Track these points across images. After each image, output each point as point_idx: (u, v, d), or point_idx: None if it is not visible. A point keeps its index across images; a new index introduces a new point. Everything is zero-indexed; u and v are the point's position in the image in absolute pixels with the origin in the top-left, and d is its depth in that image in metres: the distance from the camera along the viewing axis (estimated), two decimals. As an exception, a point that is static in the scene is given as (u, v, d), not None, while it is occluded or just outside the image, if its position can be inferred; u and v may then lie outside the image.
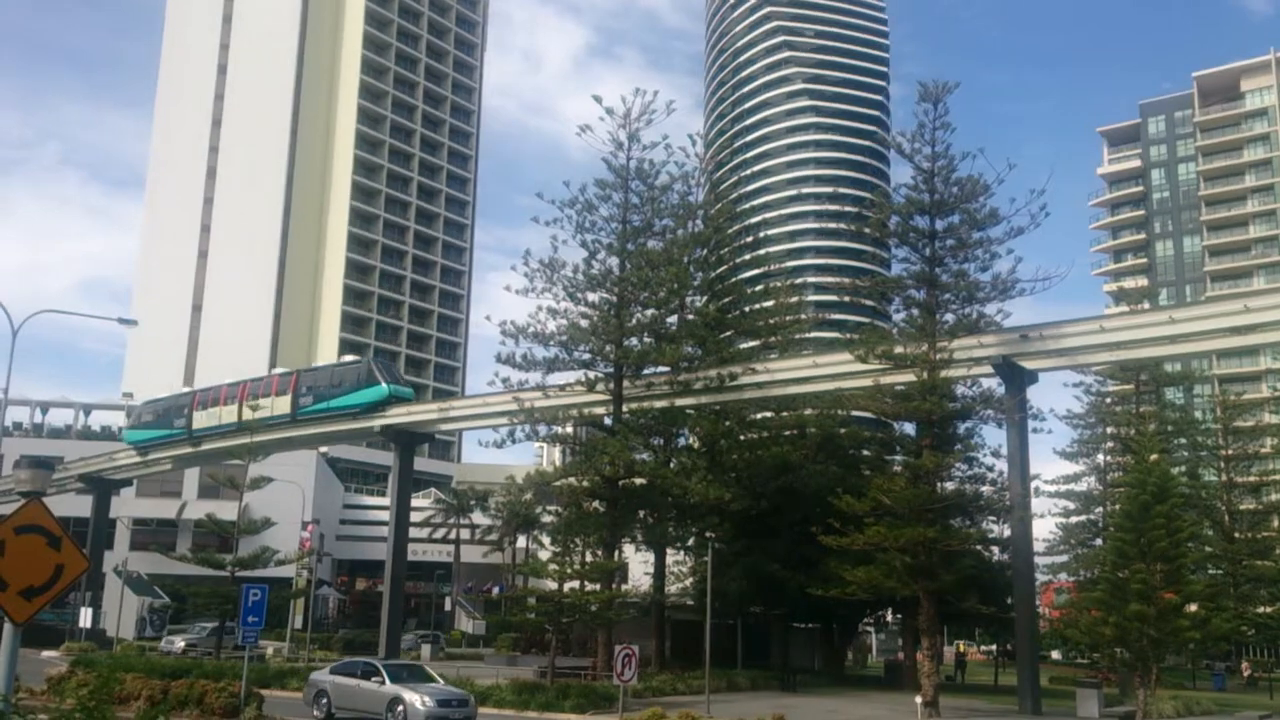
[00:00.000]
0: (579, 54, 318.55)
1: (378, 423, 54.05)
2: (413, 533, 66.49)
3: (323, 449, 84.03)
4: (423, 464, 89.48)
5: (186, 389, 68.86)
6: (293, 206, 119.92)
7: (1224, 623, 41.45)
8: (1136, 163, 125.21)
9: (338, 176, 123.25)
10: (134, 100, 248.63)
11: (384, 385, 54.23)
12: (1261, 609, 53.07)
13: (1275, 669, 66.22)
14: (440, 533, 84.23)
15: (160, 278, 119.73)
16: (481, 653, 62.01)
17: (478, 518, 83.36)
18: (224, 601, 43.70)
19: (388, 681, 27.80)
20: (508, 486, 71.11)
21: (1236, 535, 59.32)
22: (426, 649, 59.29)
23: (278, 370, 66.83)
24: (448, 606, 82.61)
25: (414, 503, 67.01)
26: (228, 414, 59.25)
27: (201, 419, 61.81)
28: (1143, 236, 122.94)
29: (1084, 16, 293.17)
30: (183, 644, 52.08)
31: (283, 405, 57.17)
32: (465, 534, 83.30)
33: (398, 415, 54.31)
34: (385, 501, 68.49)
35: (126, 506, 79.54)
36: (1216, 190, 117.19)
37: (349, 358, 58.16)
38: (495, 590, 79.21)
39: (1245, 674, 59.68)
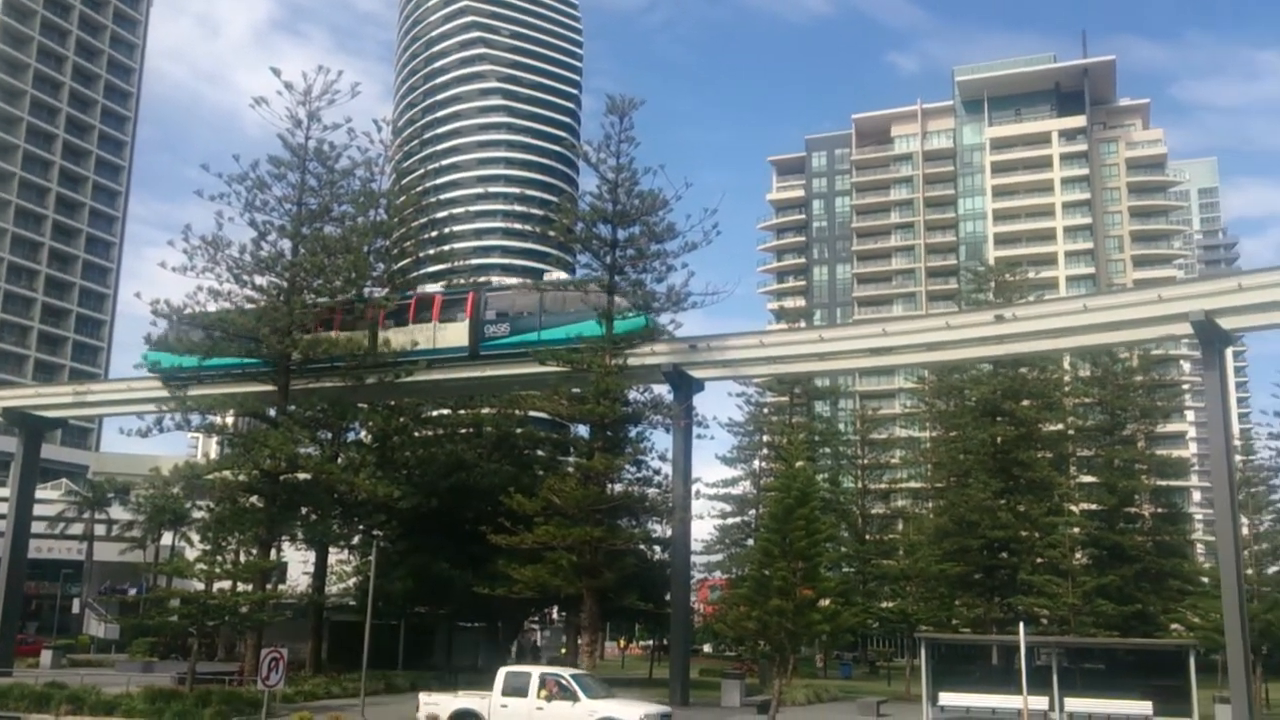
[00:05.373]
0: (260, 26, 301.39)
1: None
2: (38, 528, 59.95)
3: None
4: (53, 451, 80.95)
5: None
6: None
7: (851, 616, 45.43)
8: (801, 192, 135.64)
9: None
10: None
11: (641, 317, 39.98)
12: (885, 604, 58.60)
13: (895, 658, 73.76)
14: (73, 528, 76.34)
15: None
16: (113, 659, 56.55)
17: (116, 512, 76.33)
18: None
19: None
20: (152, 479, 65.48)
21: (867, 537, 65.27)
22: (48, 655, 53.24)
23: (434, 287, 48.26)
24: (75, 609, 74.83)
25: (40, 494, 60.07)
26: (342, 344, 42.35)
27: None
28: (803, 261, 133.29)
29: (766, 55, 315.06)
30: None
31: (455, 336, 41.72)
32: (101, 530, 75.97)
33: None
34: (5, 493, 60.74)
35: None
36: (866, 224, 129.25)
37: (559, 274, 41.97)
38: (132, 592, 72.81)
39: (820, 662, 64.63)
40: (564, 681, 26.26)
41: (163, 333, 42.74)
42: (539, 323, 40.79)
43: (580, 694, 25.63)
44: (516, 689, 26.41)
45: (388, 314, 43.42)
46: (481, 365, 42.31)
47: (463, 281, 58.76)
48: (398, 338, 42.57)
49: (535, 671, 27.48)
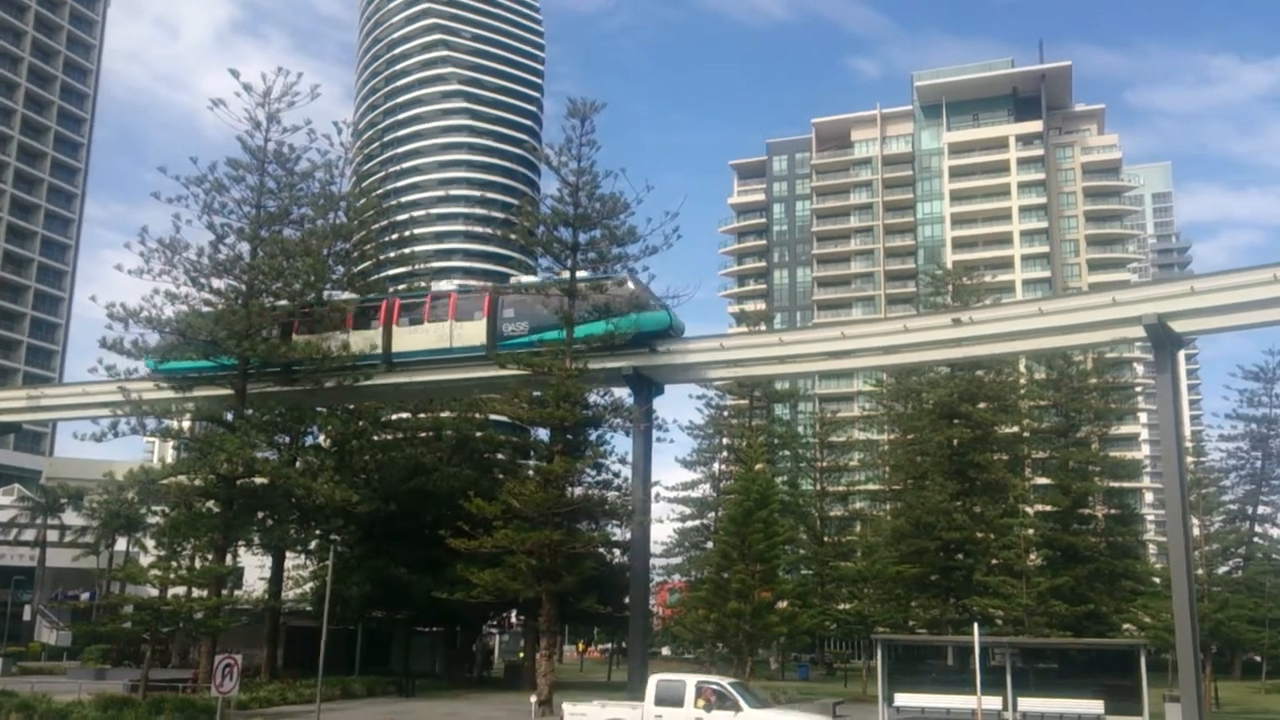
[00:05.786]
0: (220, 28, 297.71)
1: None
2: (-12, 534, 58.74)
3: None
4: (6, 456, 79.64)
5: None
6: None
7: (809, 618, 45.82)
8: (761, 196, 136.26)
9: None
10: None
11: (664, 311, 39.63)
12: (842, 605, 58.91)
13: (852, 659, 74.27)
14: (25, 534, 75.04)
15: None
16: (65, 666, 55.74)
17: (70, 518, 75.14)
18: None
19: None
20: (106, 484, 64.59)
21: (825, 539, 65.55)
22: (-1, 663, 52.38)
23: (449, 285, 47.57)
24: (27, 616, 73.55)
25: (-9, 500, 59.18)
26: (357, 342, 42.01)
27: None
28: (764, 264, 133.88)
29: (728, 60, 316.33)
30: None
31: (472, 334, 41.14)
32: (54, 535, 74.72)
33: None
34: (-45, 499, 59.72)
35: None
36: (826, 227, 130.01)
37: (582, 273, 40.85)
38: (85, 598, 71.74)
39: (776, 664, 64.84)
40: (722, 689, 24.76)
41: (165, 342, 41.90)
42: (561, 321, 39.68)
43: (741, 703, 24.23)
44: (670, 699, 25.00)
45: (400, 313, 43.14)
46: (458, 368, 42.10)
47: (423, 284, 58.58)
48: (411, 338, 42.16)
49: (690, 680, 25.93)
